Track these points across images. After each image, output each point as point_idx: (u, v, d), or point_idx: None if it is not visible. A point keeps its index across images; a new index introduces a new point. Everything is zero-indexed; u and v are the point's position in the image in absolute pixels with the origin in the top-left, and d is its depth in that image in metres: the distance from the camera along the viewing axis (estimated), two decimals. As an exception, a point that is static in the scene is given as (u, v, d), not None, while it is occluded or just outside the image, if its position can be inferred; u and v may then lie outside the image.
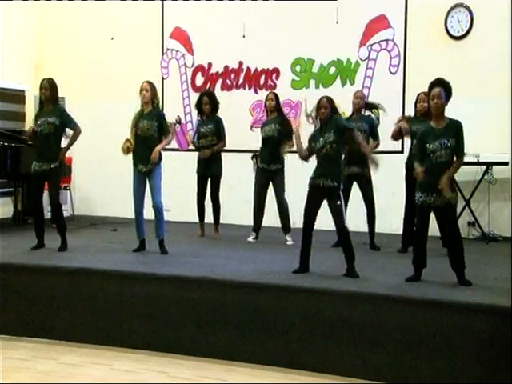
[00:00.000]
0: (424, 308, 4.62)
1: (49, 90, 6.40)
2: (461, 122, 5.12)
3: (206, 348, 5.16)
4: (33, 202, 6.66)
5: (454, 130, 5.08)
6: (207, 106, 7.43)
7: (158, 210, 6.40)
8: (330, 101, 5.49)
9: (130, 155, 6.43)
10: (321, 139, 5.44)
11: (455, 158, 5.11)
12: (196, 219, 7.76)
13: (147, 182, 6.42)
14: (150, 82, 6.46)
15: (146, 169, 6.36)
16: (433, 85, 5.20)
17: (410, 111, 7.84)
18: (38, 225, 6.59)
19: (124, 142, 6.38)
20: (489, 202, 7.73)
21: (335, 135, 5.40)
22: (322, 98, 5.54)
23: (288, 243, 7.14)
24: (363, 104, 6.98)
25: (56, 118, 6.38)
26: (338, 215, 5.40)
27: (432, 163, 5.08)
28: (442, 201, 5.07)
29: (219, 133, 7.46)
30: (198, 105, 7.54)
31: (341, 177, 5.53)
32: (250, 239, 7.38)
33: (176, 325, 5.27)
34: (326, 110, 5.45)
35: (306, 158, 5.69)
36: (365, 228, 7.00)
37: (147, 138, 6.35)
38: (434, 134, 5.09)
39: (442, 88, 5.10)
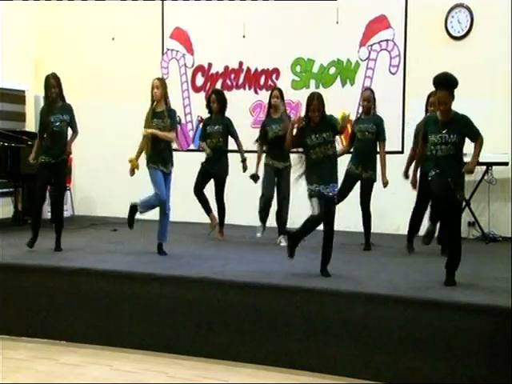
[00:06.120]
0: (424, 308, 4.62)
1: (57, 87, 6.39)
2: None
3: (205, 348, 5.16)
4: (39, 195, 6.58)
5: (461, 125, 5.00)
6: (215, 104, 7.35)
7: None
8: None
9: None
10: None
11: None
12: (196, 219, 7.74)
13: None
14: (160, 79, 6.40)
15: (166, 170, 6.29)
16: (438, 85, 5.06)
17: (411, 111, 7.86)
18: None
19: (131, 163, 6.28)
20: (489, 202, 7.73)
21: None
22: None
23: (282, 244, 6.88)
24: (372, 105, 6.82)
25: (67, 116, 6.43)
26: None
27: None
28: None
29: (231, 135, 7.35)
30: (208, 103, 7.47)
31: None
32: (259, 234, 7.20)
33: (176, 325, 5.27)
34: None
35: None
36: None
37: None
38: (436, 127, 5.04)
39: (447, 91, 4.97)
